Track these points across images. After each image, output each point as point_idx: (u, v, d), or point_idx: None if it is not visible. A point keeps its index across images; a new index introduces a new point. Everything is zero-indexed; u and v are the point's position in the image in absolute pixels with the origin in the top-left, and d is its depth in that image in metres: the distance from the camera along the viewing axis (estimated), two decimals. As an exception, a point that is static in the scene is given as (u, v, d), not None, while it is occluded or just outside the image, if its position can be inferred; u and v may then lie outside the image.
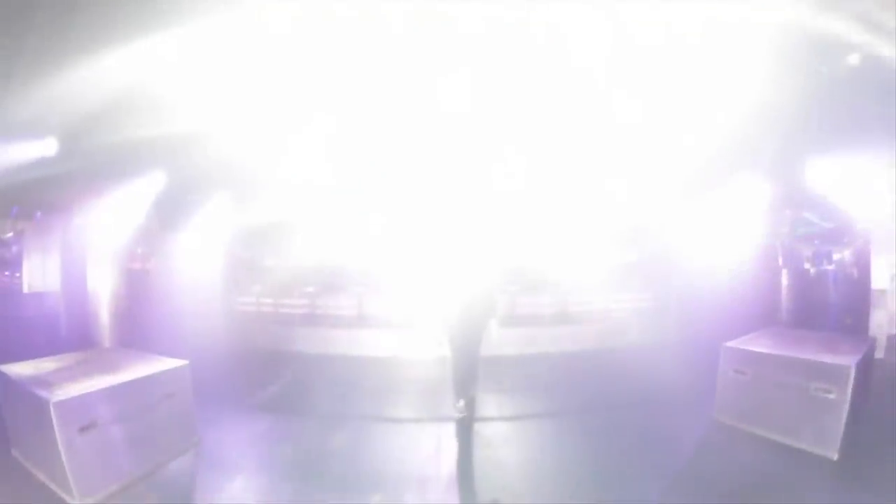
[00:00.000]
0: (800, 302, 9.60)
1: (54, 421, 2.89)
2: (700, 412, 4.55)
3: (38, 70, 4.31)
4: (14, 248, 10.58)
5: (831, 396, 3.59)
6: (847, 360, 3.61)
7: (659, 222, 8.86)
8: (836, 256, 11.22)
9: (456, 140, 6.18)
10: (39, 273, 8.92)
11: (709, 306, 8.75)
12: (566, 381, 6.30)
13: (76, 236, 7.93)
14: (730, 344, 4.38)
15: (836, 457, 3.56)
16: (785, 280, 9.87)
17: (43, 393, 3.02)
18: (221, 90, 4.93)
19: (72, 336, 7.57)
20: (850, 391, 3.52)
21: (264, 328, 8.90)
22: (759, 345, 4.28)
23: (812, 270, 10.91)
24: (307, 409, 5.28)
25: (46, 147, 5.48)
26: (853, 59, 4.67)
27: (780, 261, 10.00)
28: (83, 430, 3.06)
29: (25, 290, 9.11)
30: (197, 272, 9.20)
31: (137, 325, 7.69)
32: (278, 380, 6.43)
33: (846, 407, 3.53)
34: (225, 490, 3.47)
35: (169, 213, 8.96)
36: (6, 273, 10.24)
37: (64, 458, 2.94)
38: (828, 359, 3.67)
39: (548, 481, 3.58)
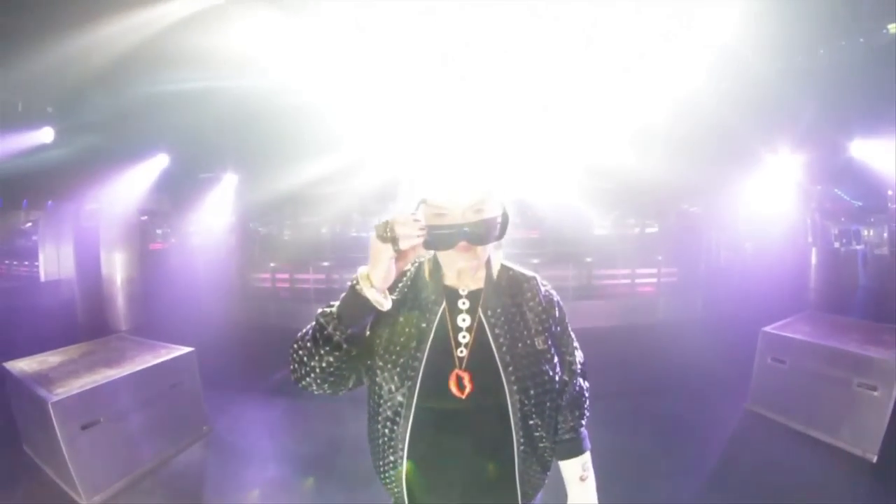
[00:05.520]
0: (829, 283, 9.17)
1: (54, 420, 2.82)
2: (731, 399, 4.33)
3: (36, 45, 4.15)
4: (33, 238, 10.71)
5: (875, 393, 3.30)
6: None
7: (685, 197, 8.50)
8: (865, 235, 10.68)
9: (477, 112, 5.94)
10: (54, 261, 8.98)
11: (736, 283, 8.42)
12: (589, 362, 6.07)
13: (88, 222, 7.93)
14: (768, 329, 4.05)
15: (875, 459, 3.31)
16: (814, 259, 9.41)
17: (42, 392, 2.94)
18: (232, 55, 4.64)
19: (88, 322, 7.64)
20: (896, 388, 3.24)
21: (279, 305, 8.77)
22: (799, 331, 3.94)
23: (842, 250, 10.41)
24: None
25: (46, 133, 5.38)
26: (894, 27, 4.31)
27: (810, 238, 9.55)
28: (85, 427, 3.00)
29: (42, 278, 9.23)
30: (211, 250, 9.16)
31: (152, 308, 7.72)
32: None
33: (891, 406, 3.25)
34: (236, 481, 3.39)
35: (181, 192, 8.89)
36: (25, 263, 10.40)
37: (67, 456, 2.89)
38: (875, 352, 3.36)
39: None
